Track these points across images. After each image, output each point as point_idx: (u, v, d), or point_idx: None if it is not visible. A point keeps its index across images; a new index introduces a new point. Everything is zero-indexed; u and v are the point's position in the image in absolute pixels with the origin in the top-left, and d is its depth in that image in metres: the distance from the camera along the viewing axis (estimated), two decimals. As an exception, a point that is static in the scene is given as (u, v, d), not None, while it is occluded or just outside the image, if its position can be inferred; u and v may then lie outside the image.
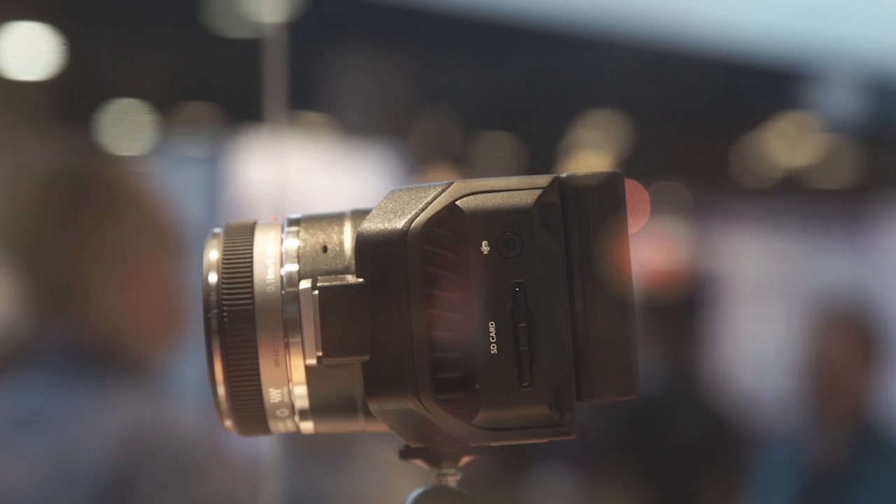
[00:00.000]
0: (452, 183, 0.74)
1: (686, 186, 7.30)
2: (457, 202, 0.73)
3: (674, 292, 4.77)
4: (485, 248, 0.72)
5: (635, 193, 6.27)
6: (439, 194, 0.73)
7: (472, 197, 0.73)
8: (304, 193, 3.32)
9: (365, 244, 0.73)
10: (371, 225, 0.73)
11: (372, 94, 6.21)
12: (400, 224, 0.73)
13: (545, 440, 0.74)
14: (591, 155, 7.10)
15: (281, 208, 2.36)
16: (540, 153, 7.32)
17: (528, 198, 0.73)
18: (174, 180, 3.86)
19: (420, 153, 6.63)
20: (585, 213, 0.74)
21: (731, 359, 5.19)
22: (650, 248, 5.31)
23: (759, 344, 5.48)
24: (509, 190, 0.74)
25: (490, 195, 0.73)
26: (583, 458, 4.10)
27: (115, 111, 6.24)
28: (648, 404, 3.69)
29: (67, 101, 6.28)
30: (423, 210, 0.73)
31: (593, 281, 0.74)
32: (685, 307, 4.81)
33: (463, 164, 7.14)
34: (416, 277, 0.72)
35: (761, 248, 5.79)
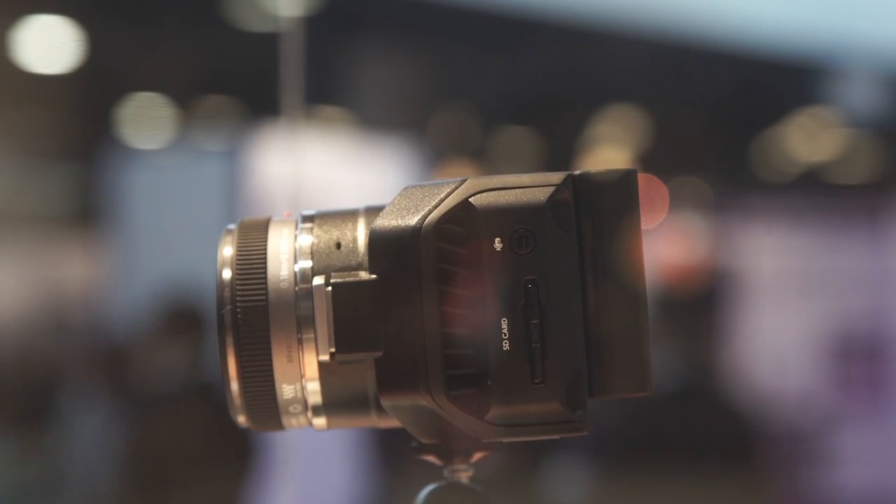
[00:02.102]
0: (465, 180, 0.74)
1: (705, 181, 7.28)
2: (470, 199, 0.73)
3: (692, 288, 4.76)
4: (498, 244, 0.72)
5: (654, 188, 6.25)
6: (452, 191, 0.73)
7: (484, 194, 0.73)
8: (322, 188, 3.31)
9: (378, 241, 0.73)
10: (384, 222, 0.73)
11: (391, 88, 6.22)
12: (413, 221, 0.73)
13: (557, 436, 0.73)
14: (610, 150, 7.09)
15: (299, 202, 2.36)
16: (559, 148, 7.31)
17: (541, 195, 0.73)
18: (194, 174, 3.86)
19: (439, 148, 6.63)
20: (599, 210, 0.74)
21: (749, 354, 5.17)
22: (669, 243, 5.30)
23: (778, 339, 5.46)
24: (522, 187, 0.73)
25: (503, 192, 0.73)
26: (599, 452, 4.09)
27: (134, 105, 6.26)
28: (666, 400, 3.68)
29: (87, 94, 6.29)
30: (436, 207, 0.73)
31: (606, 278, 0.74)
32: (704, 302, 4.79)
33: (482, 158, 7.14)
34: (429, 274, 0.72)
35: (780, 243, 5.76)
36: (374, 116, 6.03)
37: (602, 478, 4.02)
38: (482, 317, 0.72)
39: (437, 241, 0.72)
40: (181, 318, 3.18)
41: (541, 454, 4.47)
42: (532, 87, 6.61)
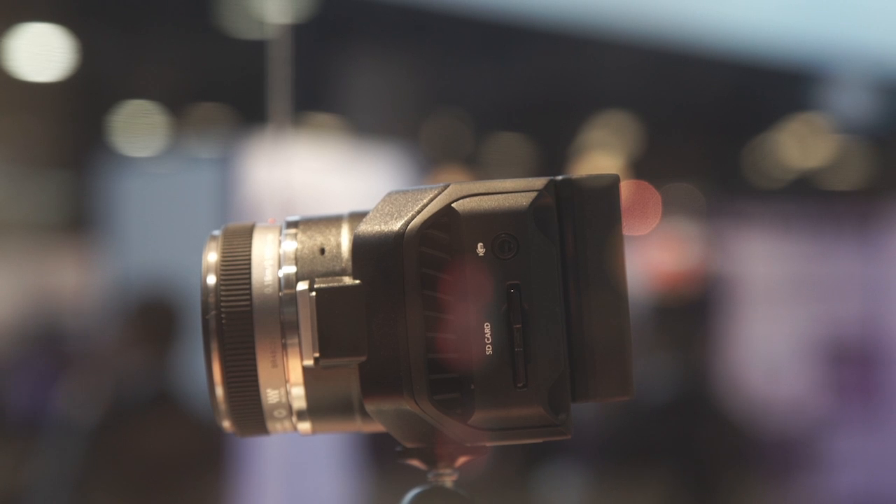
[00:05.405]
0: (448, 185, 0.74)
1: (698, 187, 7.29)
2: (452, 204, 0.73)
3: (685, 294, 4.76)
4: (480, 249, 0.73)
5: (647, 194, 6.25)
6: (435, 197, 0.74)
7: (467, 199, 0.73)
8: (314, 195, 3.31)
9: (361, 246, 0.74)
10: (368, 227, 0.74)
11: (383, 95, 6.22)
12: (396, 226, 0.73)
13: (540, 440, 0.74)
14: (602, 156, 7.09)
15: (290, 209, 2.36)
16: (551, 154, 7.31)
17: (524, 200, 0.73)
18: (186, 181, 3.86)
19: (431, 154, 6.64)
20: (581, 216, 0.75)
21: (742, 360, 5.18)
22: (662, 249, 5.30)
23: (770, 345, 5.47)
24: (505, 192, 0.74)
25: (485, 197, 0.73)
26: (596, 459, 4.10)
27: (126, 113, 6.26)
28: (661, 406, 3.69)
29: (79, 102, 6.29)
30: (419, 213, 0.73)
31: (588, 282, 0.74)
32: (697, 309, 4.80)
33: (474, 165, 7.15)
34: (412, 279, 0.72)
35: (773, 249, 5.77)
36: (366, 123, 6.03)
37: (597, 484, 4.02)
38: (465, 321, 0.72)
39: (420, 246, 0.72)
40: (154, 321, 3.18)
41: (537, 461, 4.48)
42: (524, 94, 6.62)
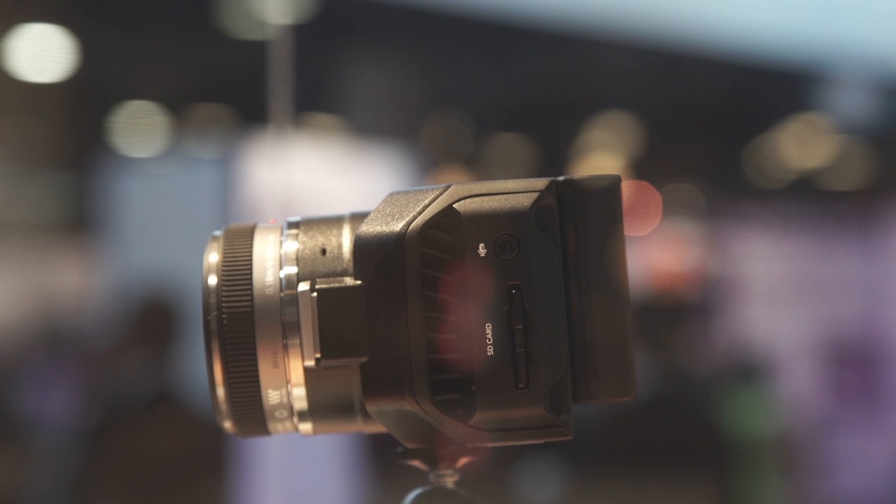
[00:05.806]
0: (450, 186, 0.74)
1: (698, 188, 7.29)
2: (454, 205, 0.73)
3: (686, 294, 4.77)
4: (482, 250, 0.73)
5: (647, 195, 6.26)
6: (437, 197, 0.74)
7: (469, 200, 0.73)
8: (315, 195, 3.31)
9: (363, 247, 0.74)
10: (369, 228, 0.74)
11: (384, 95, 6.22)
12: (398, 227, 0.73)
13: (541, 441, 0.74)
14: (602, 156, 7.09)
15: (291, 210, 2.36)
16: (552, 154, 7.31)
17: (525, 201, 0.74)
18: (186, 182, 3.86)
19: (432, 155, 6.64)
20: (582, 216, 0.75)
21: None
22: (663, 249, 5.31)
23: (771, 345, 5.47)
24: (506, 193, 0.74)
25: (487, 198, 0.74)
26: (586, 458, 4.10)
27: (126, 113, 6.26)
28: (654, 404, 3.69)
29: (80, 103, 6.29)
30: (420, 213, 0.73)
31: (590, 283, 0.74)
32: (697, 309, 4.80)
33: (475, 165, 7.15)
34: (413, 280, 0.72)
35: (774, 249, 5.77)
36: (366, 123, 6.04)
37: (576, 481, 4.02)
38: (466, 322, 0.72)
39: (422, 246, 0.73)
40: (154, 322, 3.18)
41: (516, 456, 4.47)
42: (524, 94, 6.62)
